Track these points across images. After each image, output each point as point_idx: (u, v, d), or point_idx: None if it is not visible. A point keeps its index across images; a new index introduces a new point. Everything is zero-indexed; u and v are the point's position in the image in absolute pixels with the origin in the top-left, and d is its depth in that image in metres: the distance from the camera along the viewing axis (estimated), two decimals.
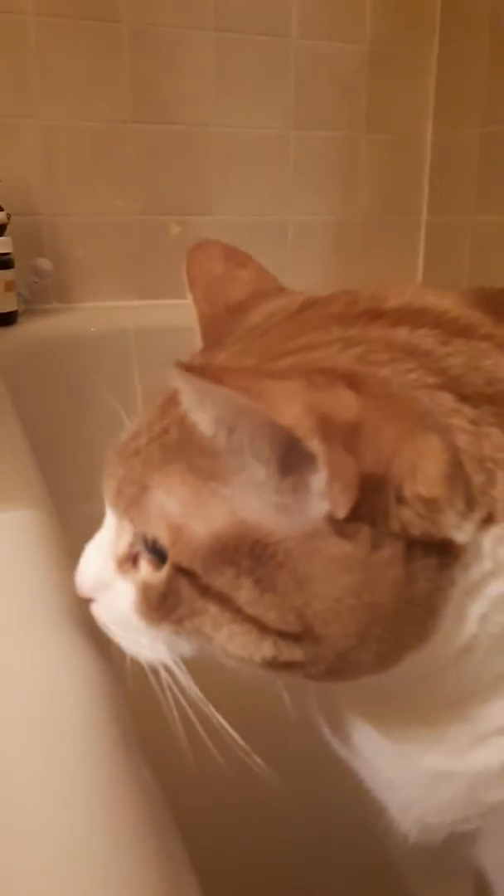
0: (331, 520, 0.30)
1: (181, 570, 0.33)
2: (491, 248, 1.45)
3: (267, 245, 1.52)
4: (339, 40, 1.48)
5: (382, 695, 0.40)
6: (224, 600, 0.33)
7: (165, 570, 0.34)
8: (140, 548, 0.37)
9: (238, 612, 0.32)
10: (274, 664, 0.33)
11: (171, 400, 0.36)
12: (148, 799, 0.33)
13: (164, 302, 1.46)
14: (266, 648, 0.33)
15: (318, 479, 0.29)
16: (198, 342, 0.46)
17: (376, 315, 0.37)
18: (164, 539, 0.34)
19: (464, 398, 0.33)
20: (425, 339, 0.35)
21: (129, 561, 0.38)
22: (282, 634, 0.32)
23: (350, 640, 0.32)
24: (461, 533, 0.31)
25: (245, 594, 0.32)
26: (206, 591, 0.33)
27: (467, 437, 0.32)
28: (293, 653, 0.33)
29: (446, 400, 0.32)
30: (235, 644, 0.34)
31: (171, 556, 0.34)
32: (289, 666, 0.33)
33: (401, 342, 0.35)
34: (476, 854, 0.54)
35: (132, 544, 0.37)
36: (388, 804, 0.45)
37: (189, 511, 0.33)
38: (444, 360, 0.34)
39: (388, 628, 0.32)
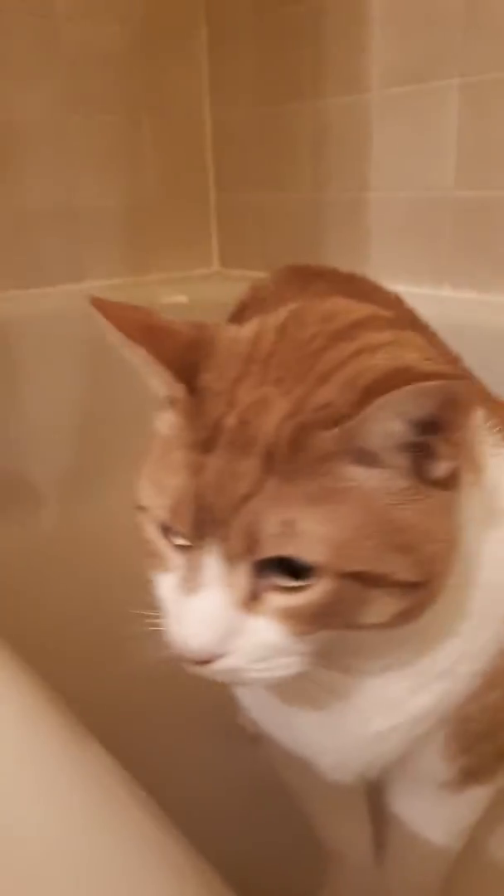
0: (443, 479, 0.39)
1: (347, 576, 0.37)
2: (279, 224, 1.52)
3: (58, 232, 1.47)
4: (108, 22, 1.46)
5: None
6: (383, 579, 0.38)
7: (324, 584, 0.37)
8: (264, 580, 0.38)
9: (393, 584, 0.38)
10: (394, 618, 0.39)
11: (247, 431, 0.38)
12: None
13: None
14: (399, 604, 0.39)
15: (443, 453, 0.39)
16: None
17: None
18: (323, 557, 0.37)
19: None
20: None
21: (252, 597, 0.39)
22: (412, 586, 0.39)
23: (446, 574, 0.40)
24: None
25: (396, 566, 0.38)
26: (373, 581, 0.38)
27: None
28: (412, 600, 0.39)
29: None
30: (377, 613, 0.39)
31: (337, 568, 0.37)
32: (403, 615, 0.39)
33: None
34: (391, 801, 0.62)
35: (253, 581, 0.38)
36: (317, 764, 0.53)
37: (339, 524, 0.37)
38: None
39: (451, 562, 0.40)
